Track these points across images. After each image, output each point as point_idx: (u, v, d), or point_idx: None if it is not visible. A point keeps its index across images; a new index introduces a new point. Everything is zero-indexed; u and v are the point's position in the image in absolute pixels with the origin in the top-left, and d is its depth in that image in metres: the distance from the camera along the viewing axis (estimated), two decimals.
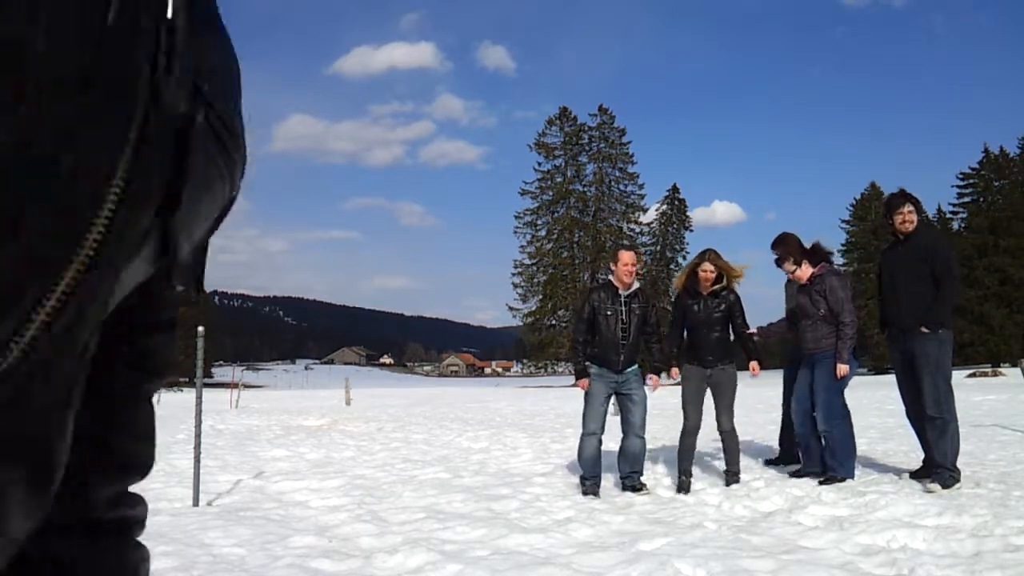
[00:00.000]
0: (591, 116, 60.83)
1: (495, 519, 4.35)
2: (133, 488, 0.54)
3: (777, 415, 6.76)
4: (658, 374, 5.42)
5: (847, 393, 5.52)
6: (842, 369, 5.31)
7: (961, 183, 63.25)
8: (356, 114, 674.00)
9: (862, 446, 7.02)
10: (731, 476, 5.41)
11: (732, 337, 5.54)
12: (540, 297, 58.04)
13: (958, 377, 8.73)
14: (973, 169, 62.62)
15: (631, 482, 5.32)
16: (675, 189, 64.32)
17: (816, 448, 5.47)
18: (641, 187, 60.46)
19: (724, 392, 5.39)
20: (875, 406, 13.05)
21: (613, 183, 60.07)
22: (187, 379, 52.18)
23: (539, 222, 59.94)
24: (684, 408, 5.46)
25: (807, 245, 5.87)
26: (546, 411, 15.60)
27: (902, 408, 5.57)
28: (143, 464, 0.53)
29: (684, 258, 58.51)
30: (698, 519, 4.31)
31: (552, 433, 9.65)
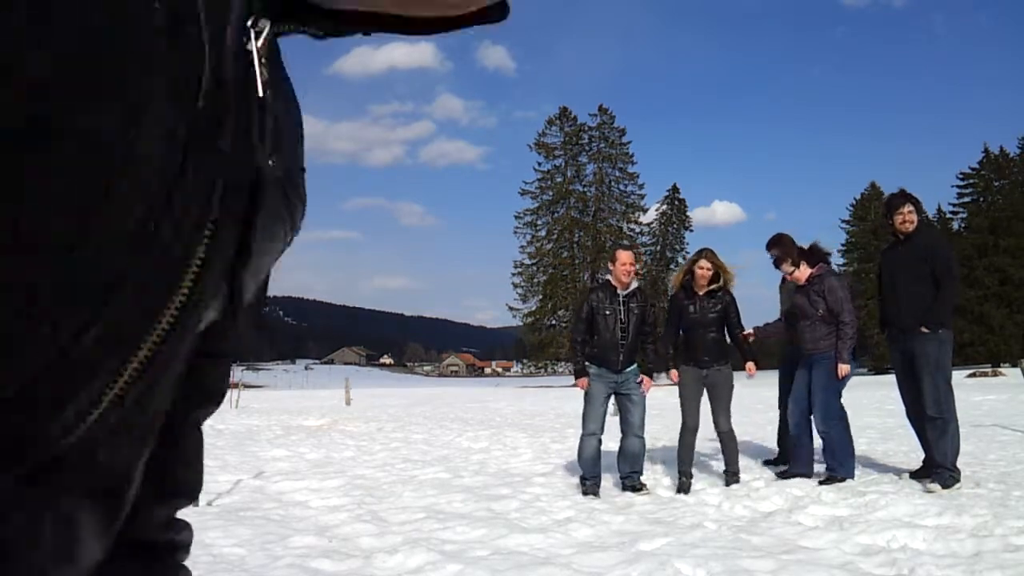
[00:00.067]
0: (591, 116, 60.83)
1: (495, 519, 4.35)
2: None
3: (775, 415, 6.77)
4: (651, 375, 5.41)
5: (844, 394, 5.52)
6: (843, 369, 5.32)
7: (961, 183, 63.30)
8: (356, 114, 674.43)
9: (862, 446, 7.03)
10: (731, 476, 5.41)
11: (728, 338, 5.55)
12: (540, 297, 58.02)
13: (958, 377, 8.74)
14: (973, 169, 62.66)
15: (631, 482, 5.33)
16: (675, 189, 64.36)
17: (806, 449, 5.48)
18: (641, 187, 60.47)
19: (721, 393, 5.39)
20: (875, 406, 13.05)
21: (613, 183, 60.06)
22: None
23: (539, 222, 59.94)
24: (682, 409, 5.46)
25: (806, 246, 5.88)
26: (546, 411, 15.60)
27: (902, 408, 5.57)
28: (192, 489, 0.53)
29: (684, 258, 58.27)
30: (698, 519, 4.31)
31: (552, 433, 9.65)
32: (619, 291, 5.38)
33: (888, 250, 5.66)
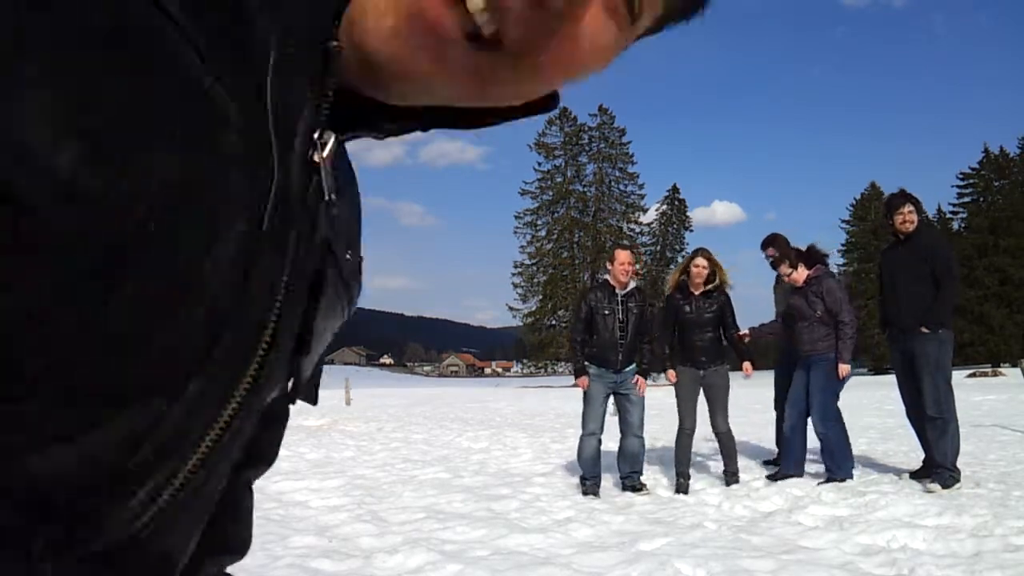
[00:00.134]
0: (591, 116, 60.87)
1: (495, 519, 4.35)
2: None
3: (775, 415, 6.77)
4: (646, 376, 5.41)
5: (843, 394, 5.53)
6: (844, 369, 5.32)
7: (961, 183, 63.33)
8: None
9: (862, 446, 7.04)
10: (730, 476, 5.41)
11: (724, 338, 5.56)
12: (540, 297, 58.04)
13: (958, 377, 8.74)
14: (973, 169, 62.69)
15: (631, 482, 5.33)
16: (675, 189, 64.39)
17: (798, 450, 5.48)
18: (641, 187, 60.52)
19: (718, 393, 5.40)
20: (875, 406, 13.05)
21: (613, 183, 60.09)
22: None
23: (539, 222, 59.97)
24: (679, 410, 5.46)
25: (803, 247, 5.89)
26: (546, 411, 15.60)
27: (902, 408, 5.57)
28: (242, 546, 0.54)
29: (684, 258, 58.48)
30: (698, 519, 4.31)
31: (552, 433, 9.65)
32: (617, 291, 5.38)
33: (888, 250, 5.67)
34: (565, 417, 13.01)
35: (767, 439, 7.85)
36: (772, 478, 5.44)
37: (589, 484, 5.22)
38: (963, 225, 61.38)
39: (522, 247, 60.05)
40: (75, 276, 0.28)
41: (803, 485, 5.10)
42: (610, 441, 5.69)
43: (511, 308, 59.53)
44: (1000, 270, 55.59)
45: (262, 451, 0.53)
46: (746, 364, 5.60)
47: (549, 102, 0.49)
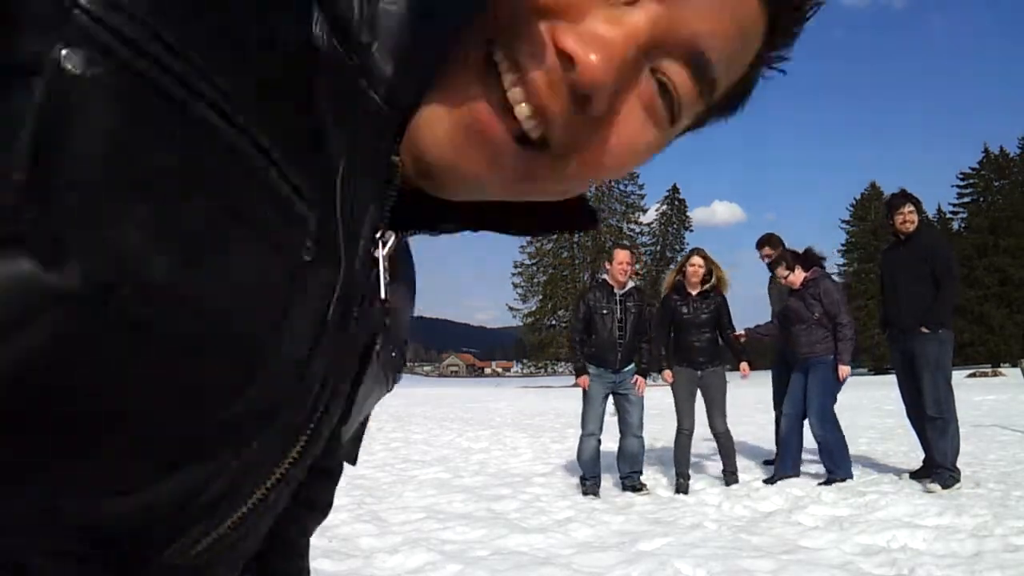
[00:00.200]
0: None
1: (495, 519, 4.35)
2: None
3: (775, 415, 6.78)
4: (645, 376, 5.41)
5: (841, 395, 5.54)
6: (844, 371, 5.33)
7: (961, 183, 63.35)
8: None
9: (862, 446, 7.04)
10: (729, 476, 5.41)
11: (720, 339, 5.57)
12: (540, 297, 58.10)
13: (958, 377, 8.72)
14: (973, 169, 62.71)
15: (631, 482, 5.33)
16: (675, 189, 64.43)
17: (796, 452, 5.49)
18: (641, 187, 60.60)
19: (715, 394, 5.40)
20: (875, 406, 13.05)
21: (613, 183, 60.05)
22: None
23: None
24: (677, 411, 5.46)
25: (800, 250, 5.92)
26: (546, 411, 15.60)
27: (902, 408, 5.58)
28: None
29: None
30: (698, 519, 4.31)
31: (552, 433, 9.65)
32: (616, 291, 5.38)
33: (889, 250, 5.68)
34: (565, 417, 13.01)
35: (767, 439, 7.85)
36: (769, 480, 5.44)
37: (589, 484, 5.22)
38: (963, 225, 61.40)
39: (522, 247, 60.22)
40: (158, 357, 0.32)
41: (803, 485, 5.11)
42: (610, 441, 5.69)
43: (511, 308, 59.60)
44: (1000, 270, 55.61)
45: (315, 501, 0.59)
46: (743, 364, 5.61)
47: (590, 221, 0.54)
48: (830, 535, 3.74)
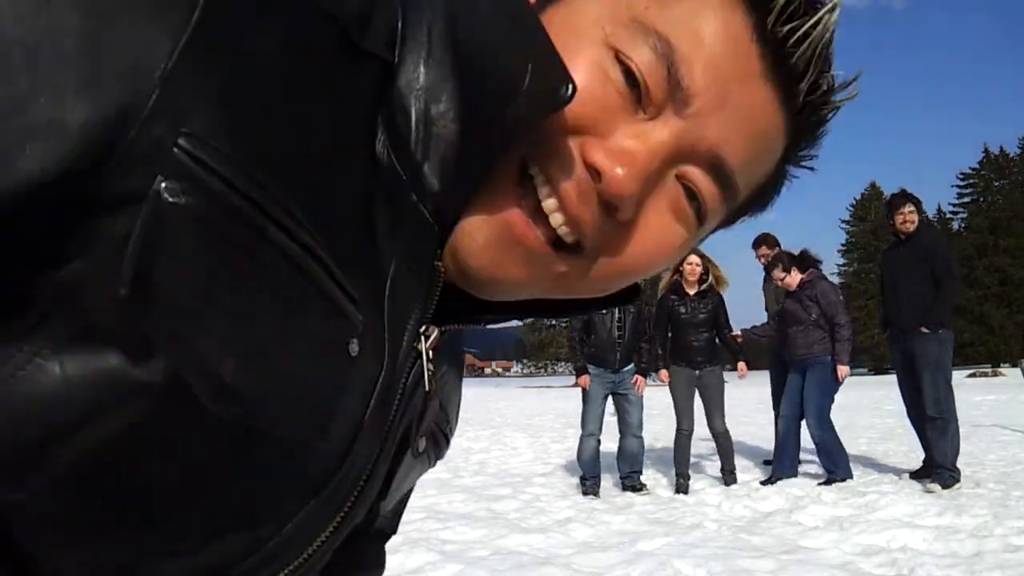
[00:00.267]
0: None
1: (495, 519, 4.35)
2: None
3: (774, 415, 6.79)
4: (645, 376, 5.41)
5: (839, 395, 5.55)
6: (843, 371, 5.33)
7: (961, 183, 63.35)
8: None
9: (862, 446, 7.04)
10: (729, 476, 5.41)
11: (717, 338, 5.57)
12: None
13: (958, 377, 8.73)
14: (973, 169, 62.72)
15: (631, 482, 5.33)
16: None
17: (794, 452, 5.49)
18: None
19: (714, 394, 5.40)
20: (874, 406, 13.05)
21: None
22: None
23: None
24: (676, 411, 5.46)
25: (796, 252, 5.93)
26: (546, 411, 15.60)
27: (902, 408, 5.58)
28: None
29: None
30: (698, 519, 4.31)
31: (552, 433, 9.65)
32: None
33: (889, 250, 5.68)
34: (565, 417, 13.01)
35: (766, 439, 7.84)
36: (768, 481, 5.44)
37: (589, 484, 5.22)
38: (963, 225, 61.39)
39: None
40: (220, 443, 0.37)
41: (803, 485, 5.11)
42: (610, 441, 5.69)
43: None
44: (1000, 270, 55.61)
45: (366, 562, 0.63)
46: (740, 364, 5.63)
47: (633, 295, 0.56)
48: (830, 535, 3.74)
